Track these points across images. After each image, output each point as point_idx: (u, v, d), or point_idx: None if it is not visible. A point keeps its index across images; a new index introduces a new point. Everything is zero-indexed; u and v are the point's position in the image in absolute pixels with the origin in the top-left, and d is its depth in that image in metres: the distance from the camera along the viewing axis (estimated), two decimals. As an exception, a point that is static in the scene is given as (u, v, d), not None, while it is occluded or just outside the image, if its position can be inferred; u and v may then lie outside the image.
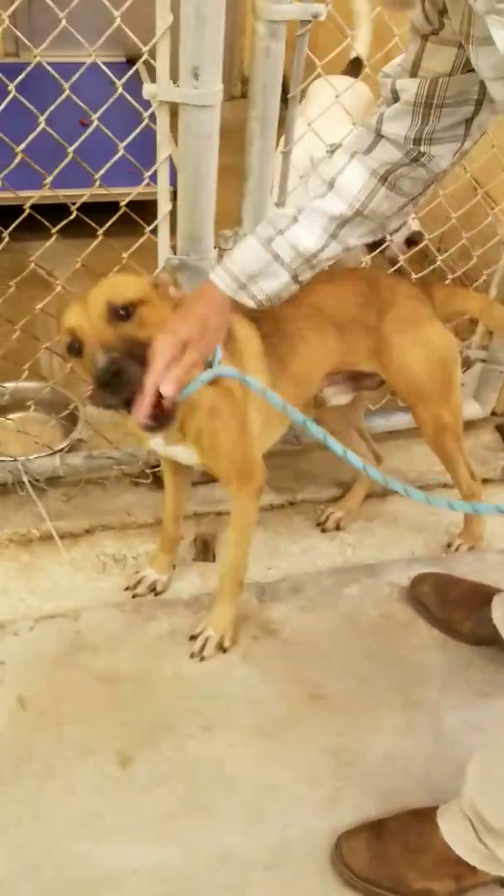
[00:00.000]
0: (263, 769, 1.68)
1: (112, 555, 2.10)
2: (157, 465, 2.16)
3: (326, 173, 1.37)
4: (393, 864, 1.49)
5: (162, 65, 1.53)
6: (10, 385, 2.16)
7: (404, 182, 1.35)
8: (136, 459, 2.16)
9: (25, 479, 2.09)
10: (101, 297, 1.36)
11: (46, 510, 2.10)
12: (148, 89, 1.55)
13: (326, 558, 2.15)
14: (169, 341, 1.31)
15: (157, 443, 1.63)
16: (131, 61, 1.77)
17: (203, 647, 1.84)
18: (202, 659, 1.83)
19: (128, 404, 1.33)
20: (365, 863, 1.51)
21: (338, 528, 2.20)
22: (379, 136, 1.31)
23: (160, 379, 1.29)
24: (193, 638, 1.86)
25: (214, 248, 1.78)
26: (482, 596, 1.93)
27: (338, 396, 1.94)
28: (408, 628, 1.98)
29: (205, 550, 2.12)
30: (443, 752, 1.74)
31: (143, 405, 1.30)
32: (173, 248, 1.79)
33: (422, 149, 1.30)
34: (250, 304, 1.42)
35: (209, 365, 1.40)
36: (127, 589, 2.01)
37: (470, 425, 2.37)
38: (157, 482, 2.18)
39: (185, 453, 1.65)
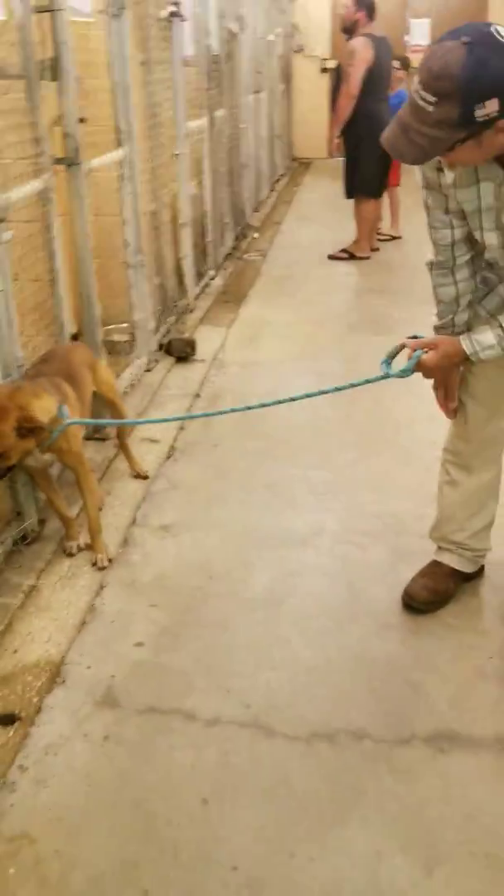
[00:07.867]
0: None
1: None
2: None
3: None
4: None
5: None
6: None
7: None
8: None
9: None
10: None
11: None
12: None
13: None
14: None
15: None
16: None
17: (101, 561, 2.58)
18: (102, 568, 2.56)
19: None
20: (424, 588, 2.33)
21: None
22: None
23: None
24: (94, 564, 2.57)
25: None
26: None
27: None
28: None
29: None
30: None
31: None
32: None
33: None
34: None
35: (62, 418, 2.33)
36: (69, 554, 2.61)
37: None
38: None
39: (49, 458, 2.50)
